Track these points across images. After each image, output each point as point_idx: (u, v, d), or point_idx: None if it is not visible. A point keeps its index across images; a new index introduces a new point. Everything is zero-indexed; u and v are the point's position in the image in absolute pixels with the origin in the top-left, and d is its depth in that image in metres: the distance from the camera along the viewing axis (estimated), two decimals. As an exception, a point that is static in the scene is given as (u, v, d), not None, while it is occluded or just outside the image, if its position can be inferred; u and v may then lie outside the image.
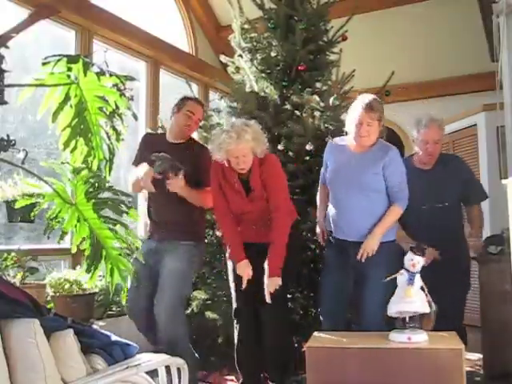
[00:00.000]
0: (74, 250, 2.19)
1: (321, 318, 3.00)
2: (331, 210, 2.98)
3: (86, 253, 2.14)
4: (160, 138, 3.32)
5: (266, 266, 2.87)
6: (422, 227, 3.04)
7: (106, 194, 2.12)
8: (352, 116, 2.85)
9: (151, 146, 3.15)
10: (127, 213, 2.09)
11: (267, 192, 2.95)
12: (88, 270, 2.15)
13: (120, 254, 2.13)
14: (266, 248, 2.89)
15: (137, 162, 3.15)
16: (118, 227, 2.11)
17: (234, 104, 3.96)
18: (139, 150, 3.29)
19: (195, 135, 3.69)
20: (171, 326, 2.91)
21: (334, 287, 2.89)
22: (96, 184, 2.07)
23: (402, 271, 2.48)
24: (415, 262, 2.45)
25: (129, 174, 3.25)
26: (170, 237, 3.05)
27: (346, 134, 2.96)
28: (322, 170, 3.10)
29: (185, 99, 3.22)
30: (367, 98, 2.82)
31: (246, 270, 2.92)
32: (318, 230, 3.12)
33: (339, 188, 2.92)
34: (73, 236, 2.16)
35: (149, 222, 3.24)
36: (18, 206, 2.63)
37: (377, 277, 2.70)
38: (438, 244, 2.99)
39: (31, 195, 2.43)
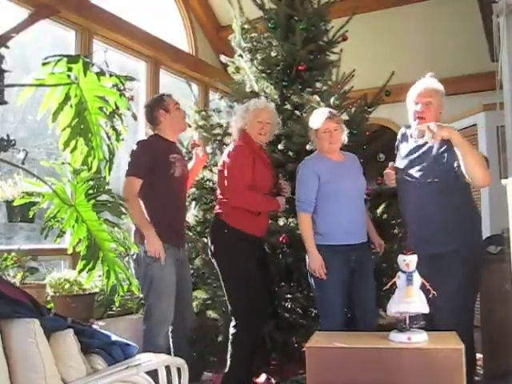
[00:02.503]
0: (70, 251, 2.19)
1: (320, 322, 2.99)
2: (334, 219, 2.93)
3: (82, 253, 2.14)
4: (160, 141, 3.13)
5: None
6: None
7: (104, 197, 2.12)
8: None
9: (163, 150, 3.08)
10: (126, 214, 2.09)
11: None
12: (83, 271, 2.15)
13: (116, 257, 2.14)
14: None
15: (145, 170, 2.97)
16: (115, 229, 2.11)
17: (234, 104, 3.96)
18: (145, 155, 3.03)
19: (195, 136, 3.68)
20: None
21: (343, 301, 2.92)
22: (96, 186, 2.07)
23: (399, 274, 2.47)
24: (408, 261, 2.44)
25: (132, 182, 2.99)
26: None
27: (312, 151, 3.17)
28: (304, 195, 2.95)
29: (160, 99, 3.17)
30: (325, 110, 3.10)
31: None
32: (315, 264, 2.88)
33: (343, 193, 2.95)
34: (71, 236, 2.16)
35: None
36: (15, 203, 2.63)
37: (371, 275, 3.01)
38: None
39: (30, 194, 2.43)
